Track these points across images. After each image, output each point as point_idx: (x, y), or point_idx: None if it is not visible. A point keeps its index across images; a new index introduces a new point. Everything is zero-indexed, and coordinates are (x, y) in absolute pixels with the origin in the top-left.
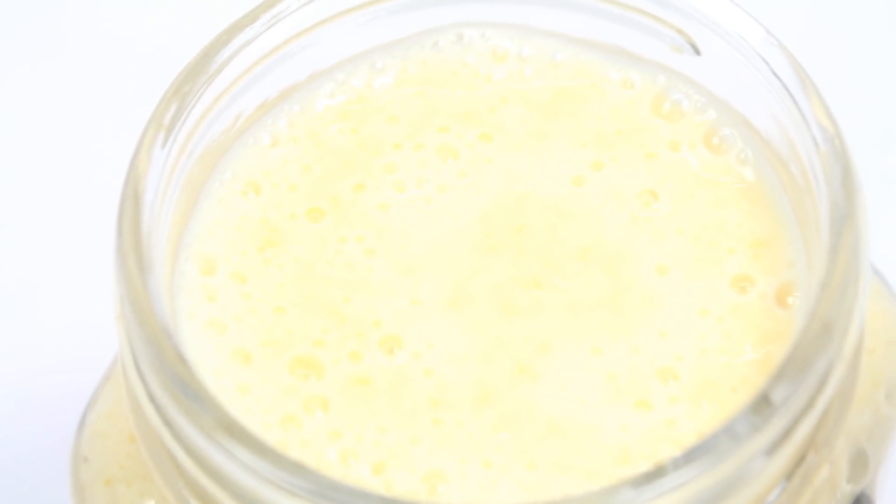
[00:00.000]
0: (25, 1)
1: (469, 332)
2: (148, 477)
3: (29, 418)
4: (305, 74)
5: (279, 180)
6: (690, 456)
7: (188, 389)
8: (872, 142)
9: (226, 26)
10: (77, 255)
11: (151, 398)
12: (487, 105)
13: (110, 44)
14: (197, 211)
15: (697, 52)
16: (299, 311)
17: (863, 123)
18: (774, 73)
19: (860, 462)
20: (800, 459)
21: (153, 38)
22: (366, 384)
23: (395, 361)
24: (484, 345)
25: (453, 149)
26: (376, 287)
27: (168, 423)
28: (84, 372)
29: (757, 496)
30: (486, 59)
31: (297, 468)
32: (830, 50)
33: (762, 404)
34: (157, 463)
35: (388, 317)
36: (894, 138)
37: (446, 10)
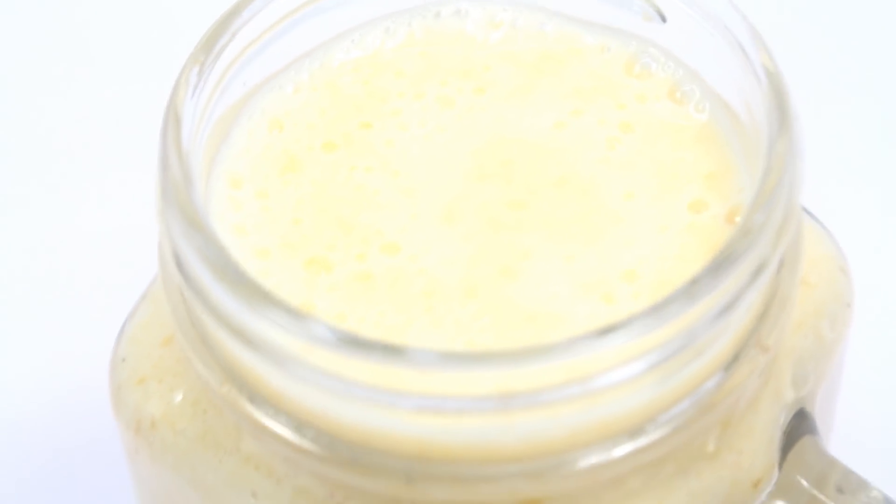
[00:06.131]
0: None
1: (459, 241)
2: (176, 373)
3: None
4: (325, 36)
5: (299, 120)
6: (630, 320)
7: (227, 266)
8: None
9: None
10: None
11: (189, 281)
12: (482, 64)
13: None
14: (228, 139)
15: (664, 19)
16: (313, 222)
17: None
18: (727, 28)
19: (801, 376)
20: (739, 352)
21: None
22: (368, 279)
23: (394, 262)
24: (471, 251)
25: (450, 99)
26: (380, 205)
27: (205, 300)
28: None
29: (703, 371)
30: (482, 27)
31: (323, 324)
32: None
33: (692, 284)
34: (193, 346)
35: (390, 228)
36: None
37: None
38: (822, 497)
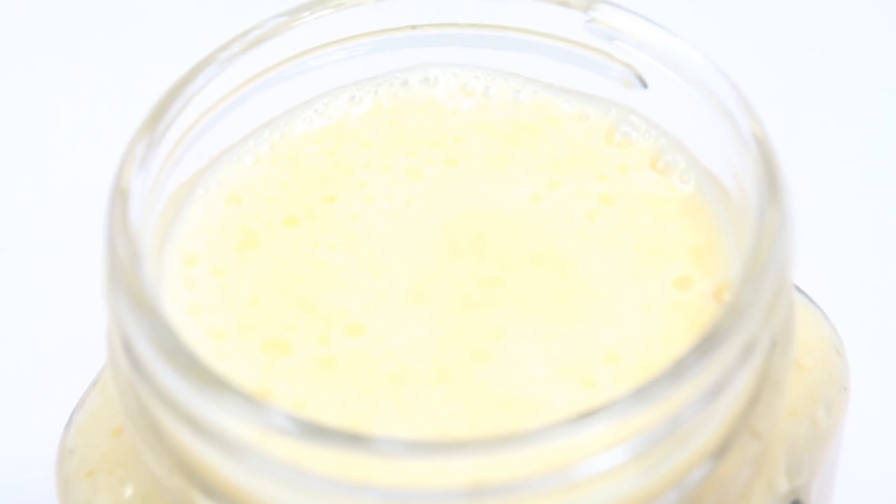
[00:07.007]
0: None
1: (428, 322)
2: (127, 465)
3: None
4: (287, 104)
5: (259, 193)
6: (611, 405)
7: (177, 349)
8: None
9: (210, 50)
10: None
11: (137, 366)
12: (453, 135)
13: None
14: (183, 214)
15: (645, 85)
16: (272, 302)
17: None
18: (712, 93)
19: (796, 465)
20: (728, 439)
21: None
22: (330, 363)
23: (358, 345)
24: (441, 332)
25: (419, 170)
26: (344, 284)
27: (154, 385)
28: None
29: (689, 460)
30: (453, 95)
31: (281, 412)
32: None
33: (678, 367)
34: (143, 436)
35: (355, 308)
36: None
37: (417, 51)
38: None
